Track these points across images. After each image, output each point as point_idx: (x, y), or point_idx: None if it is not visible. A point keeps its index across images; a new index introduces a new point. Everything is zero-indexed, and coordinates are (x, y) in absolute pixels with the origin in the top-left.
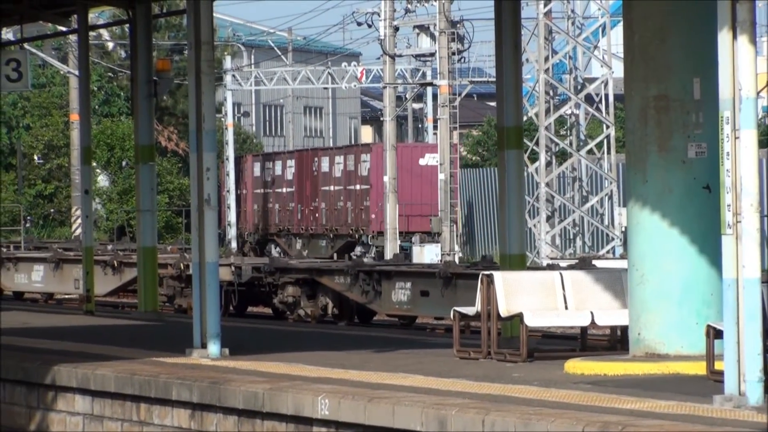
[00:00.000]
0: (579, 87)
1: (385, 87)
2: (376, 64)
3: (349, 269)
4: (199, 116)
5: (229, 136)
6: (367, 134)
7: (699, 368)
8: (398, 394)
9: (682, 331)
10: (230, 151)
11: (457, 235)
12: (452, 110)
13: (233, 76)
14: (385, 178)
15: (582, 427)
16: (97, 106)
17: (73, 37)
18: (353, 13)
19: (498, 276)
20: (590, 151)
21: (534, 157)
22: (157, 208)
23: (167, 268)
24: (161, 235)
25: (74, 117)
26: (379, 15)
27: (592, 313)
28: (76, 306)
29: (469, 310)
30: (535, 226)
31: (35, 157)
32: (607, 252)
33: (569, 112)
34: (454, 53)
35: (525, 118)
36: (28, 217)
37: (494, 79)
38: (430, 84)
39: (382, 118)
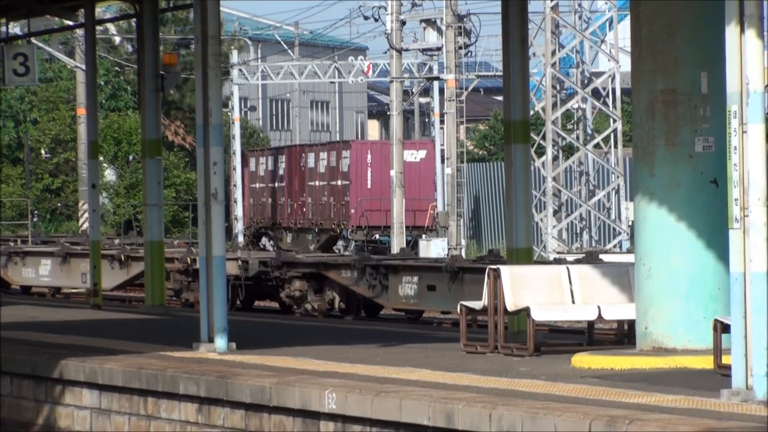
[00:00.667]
0: (586, 81)
1: (391, 81)
2: (382, 58)
3: (356, 263)
4: (206, 110)
5: (236, 131)
6: (373, 128)
7: (706, 362)
8: (405, 388)
9: (690, 325)
10: (237, 146)
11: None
12: (459, 104)
13: (240, 70)
14: (392, 173)
15: (589, 421)
16: (104, 101)
17: (80, 32)
18: (360, 7)
19: (505, 270)
20: (597, 146)
21: (541, 152)
22: (164, 203)
23: (174, 262)
24: (168, 230)
25: (81, 111)
26: (385, 9)
27: (599, 307)
28: (83, 300)
29: (476, 305)
30: (541, 220)
31: (42, 152)
32: (614, 246)
33: (576, 106)
34: (460, 47)
35: (532, 113)
36: (36, 212)
37: (501, 74)
38: (437, 78)
39: (388, 113)
